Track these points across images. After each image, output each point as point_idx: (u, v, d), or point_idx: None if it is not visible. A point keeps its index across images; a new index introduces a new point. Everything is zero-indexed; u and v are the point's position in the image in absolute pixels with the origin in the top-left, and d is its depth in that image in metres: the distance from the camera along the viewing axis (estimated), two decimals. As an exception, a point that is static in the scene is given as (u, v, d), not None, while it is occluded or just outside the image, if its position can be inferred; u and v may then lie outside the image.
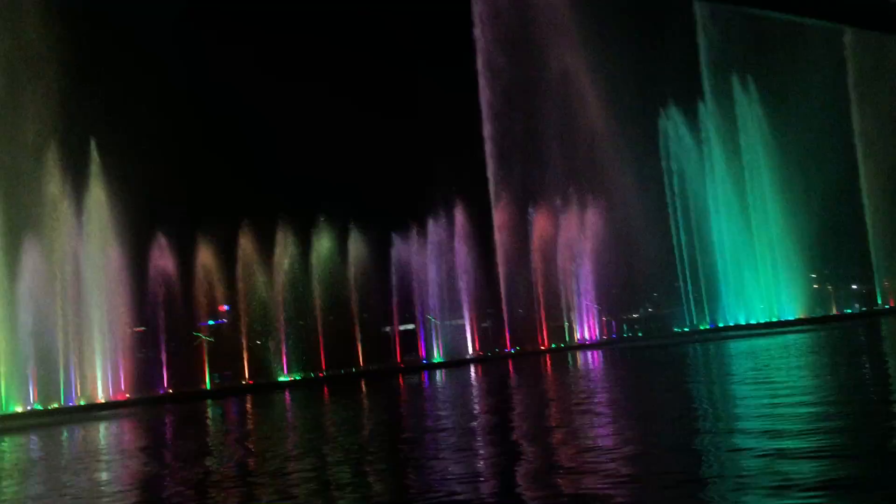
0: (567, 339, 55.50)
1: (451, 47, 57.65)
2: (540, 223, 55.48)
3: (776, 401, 13.06)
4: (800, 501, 6.51)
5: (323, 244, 50.64)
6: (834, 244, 54.68)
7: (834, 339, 33.70)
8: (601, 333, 56.88)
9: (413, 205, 53.09)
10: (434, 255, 52.83)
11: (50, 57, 41.36)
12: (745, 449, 8.86)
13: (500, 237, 55.34)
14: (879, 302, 56.23)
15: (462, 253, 53.23)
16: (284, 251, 49.40)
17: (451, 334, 52.85)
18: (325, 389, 39.71)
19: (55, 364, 40.57)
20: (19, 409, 38.42)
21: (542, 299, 55.02)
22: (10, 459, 19.58)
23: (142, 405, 39.67)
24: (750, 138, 57.18)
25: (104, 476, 13.34)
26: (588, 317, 56.37)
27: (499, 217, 55.47)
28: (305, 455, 13.26)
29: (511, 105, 55.93)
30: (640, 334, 58.24)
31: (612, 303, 57.78)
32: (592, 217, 55.30)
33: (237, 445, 16.59)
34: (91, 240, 42.66)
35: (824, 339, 33.64)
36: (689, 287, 57.39)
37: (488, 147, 55.58)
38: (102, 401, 40.94)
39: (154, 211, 45.39)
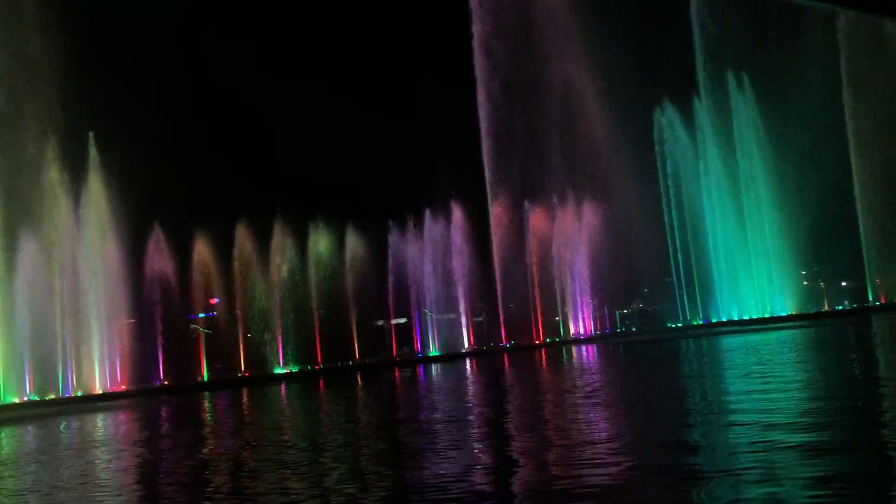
0: (562, 333, 55.99)
1: (451, 47, 58.02)
2: (536, 219, 56.03)
3: (796, 395, 13.34)
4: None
5: (319, 239, 51.14)
6: (826, 241, 55.11)
7: (830, 335, 33.89)
8: (595, 328, 57.33)
9: (412, 203, 53.53)
10: (431, 250, 53.34)
11: (50, 56, 41.78)
12: (796, 445, 8.81)
13: (496, 233, 55.89)
14: (871, 299, 56.63)
15: (458, 248, 53.74)
16: (281, 247, 49.91)
17: (445, 328, 53.28)
18: (321, 382, 40.13)
19: (52, 355, 40.84)
20: (16, 400, 38.69)
21: (538, 294, 55.52)
22: (26, 448, 19.85)
23: (139, 397, 39.98)
24: (745, 135, 57.72)
25: (119, 465, 13.67)
26: (583, 312, 56.83)
27: (495, 213, 56.06)
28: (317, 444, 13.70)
29: (509, 102, 56.54)
30: (633, 329, 58.61)
31: (606, 297, 58.24)
32: (588, 213, 55.82)
33: (241, 435, 16.93)
34: (89, 234, 43.12)
35: (821, 336, 33.80)
36: (683, 282, 57.84)
37: (485, 144, 56.17)
38: (100, 392, 41.27)
39: (153, 209, 45.73)
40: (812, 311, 55.66)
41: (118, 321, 43.31)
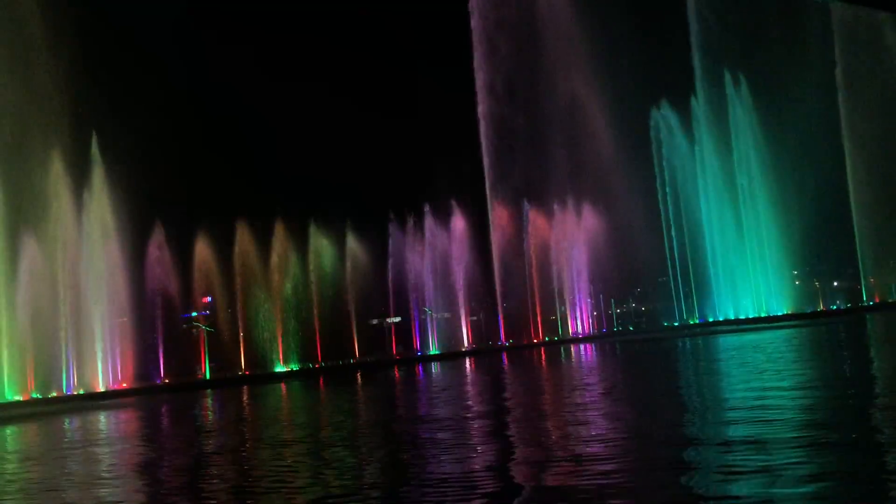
0: (560, 332, 56.39)
1: (451, 47, 58.23)
2: (535, 219, 56.39)
3: (820, 393, 13.67)
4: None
5: (319, 238, 51.41)
6: (822, 241, 55.54)
7: (830, 334, 34.07)
8: (593, 327, 57.73)
9: (412, 203, 53.75)
10: (430, 250, 53.65)
11: (50, 57, 41.94)
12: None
13: (495, 232, 56.26)
14: (865, 298, 57.14)
15: (457, 248, 54.06)
16: (281, 246, 50.16)
17: (443, 327, 53.60)
18: (322, 380, 40.40)
19: (54, 353, 41.03)
20: (19, 398, 38.86)
21: (537, 293, 55.91)
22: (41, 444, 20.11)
23: (140, 395, 40.20)
24: (741, 135, 58.17)
25: (136, 460, 14.01)
26: (581, 310, 57.24)
27: (494, 213, 56.43)
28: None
29: (508, 101, 56.86)
30: (631, 328, 59.00)
31: (604, 297, 58.67)
32: (586, 213, 56.22)
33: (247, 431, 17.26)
34: (91, 234, 43.34)
35: (820, 335, 34.01)
36: (680, 282, 58.28)
37: (484, 144, 56.50)
38: (102, 390, 41.52)
39: (154, 208, 45.95)
40: (808, 311, 56.11)
41: (119, 319, 43.49)
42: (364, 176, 55.40)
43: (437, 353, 51.98)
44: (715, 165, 58.17)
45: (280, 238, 49.76)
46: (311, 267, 50.93)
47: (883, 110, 55.20)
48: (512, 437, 11.89)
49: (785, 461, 8.03)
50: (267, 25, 61.51)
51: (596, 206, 55.89)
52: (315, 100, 61.21)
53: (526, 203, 56.09)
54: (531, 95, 57.28)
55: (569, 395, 17.77)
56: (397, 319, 54.93)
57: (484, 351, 51.89)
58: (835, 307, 59.17)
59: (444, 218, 54.07)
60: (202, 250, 47.35)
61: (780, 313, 55.01)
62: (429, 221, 53.70)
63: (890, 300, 56.15)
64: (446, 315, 53.71)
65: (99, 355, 42.22)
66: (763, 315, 55.14)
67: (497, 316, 55.19)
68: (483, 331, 55.98)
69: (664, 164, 58.91)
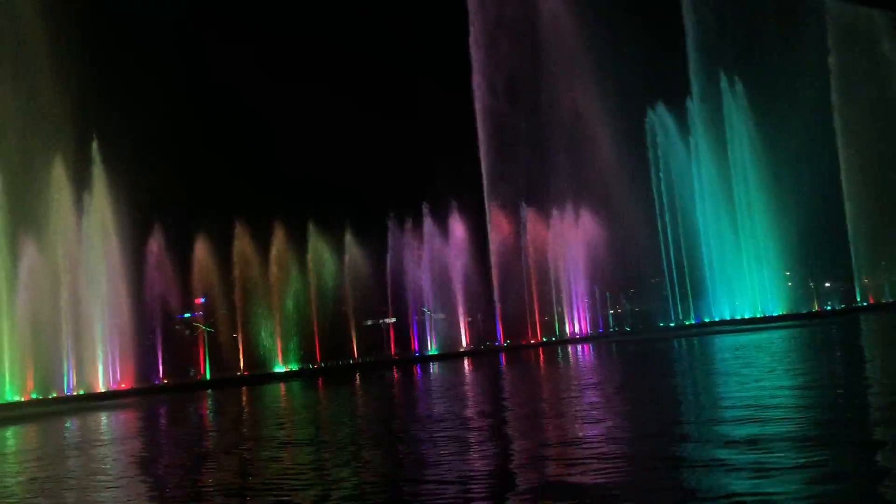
0: (557, 332, 56.77)
1: (451, 47, 58.43)
2: (532, 221, 56.69)
3: (841, 391, 13.78)
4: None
5: (318, 239, 51.61)
6: (816, 242, 55.94)
7: (828, 334, 34.23)
8: (591, 328, 58.12)
9: (411, 203, 53.99)
10: (428, 251, 53.89)
11: (50, 58, 42.05)
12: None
13: (493, 234, 56.58)
14: (858, 299, 57.62)
15: (456, 249, 54.33)
16: (280, 247, 50.36)
17: (440, 327, 53.88)
18: (321, 380, 40.64)
19: (54, 354, 41.17)
20: (19, 399, 38.96)
21: (535, 294, 56.26)
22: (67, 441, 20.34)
23: (140, 396, 40.40)
24: (736, 136, 58.55)
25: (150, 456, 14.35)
26: (578, 311, 57.61)
27: (492, 215, 56.73)
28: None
29: (506, 103, 57.11)
30: (628, 329, 59.34)
31: (600, 297, 59.05)
32: (582, 214, 56.55)
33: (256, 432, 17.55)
34: (90, 234, 43.48)
35: (817, 335, 34.12)
36: (675, 283, 58.68)
37: (482, 146, 56.74)
38: (102, 391, 41.69)
39: (154, 209, 46.09)
40: (803, 312, 56.55)
41: (116, 320, 43.59)
42: (364, 176, 55.58)
43: (435, 353, 52.28)
44: (710, 167, 58.53)
45: (279, 239, 49.97)
46: (310, 267, 51.15)
47: (877, 112, 55.50)
48: (537, 435, 12.04)
49: (824, 458, 8.15)
50: (267, 25, 61.64)
51: (592, 208, 56.23)
52: (315, 100, 61.36)
53: (524, 205, 56.40)
54: (529, 97, 57.59)
55: (589, 393, 17.83)
56: (392, 320, 55.19)
57: (482, 351, 52.20)
58: (829, 308, 59.66)
59: (442, 219, 54.33)
60: (202, 251, 47.54)
61: (775, 314, 55.43)
62: (427, 222, 53.95)
63: (883, 301, 56.63)
64: (441, 316, 53.95)
65: (100, 356, 42.39)
66: (759, 316, 55.54)
67: (495, 316, 55.53)
68: (481, 331, 56.28)
69: (660, 165, 59.27)
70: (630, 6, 54.93)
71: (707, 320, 56.56)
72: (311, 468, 10.85)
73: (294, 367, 47.97)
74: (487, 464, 9.94)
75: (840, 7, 56.33)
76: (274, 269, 49.84)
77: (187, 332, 50.88)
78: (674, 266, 58.70)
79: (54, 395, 40.08)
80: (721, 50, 57.91)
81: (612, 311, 61.39)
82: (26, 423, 27.95)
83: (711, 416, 11.81)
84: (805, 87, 55.58)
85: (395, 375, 36.65)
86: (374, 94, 61.94)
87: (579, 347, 47.20)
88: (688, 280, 58.48)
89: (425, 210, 53.72)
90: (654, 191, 59.01)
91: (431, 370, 38.65)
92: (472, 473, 9.21)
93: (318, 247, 51.51)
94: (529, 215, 56.49)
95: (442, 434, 12.60)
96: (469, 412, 16.27)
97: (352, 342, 52.29)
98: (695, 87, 59.32)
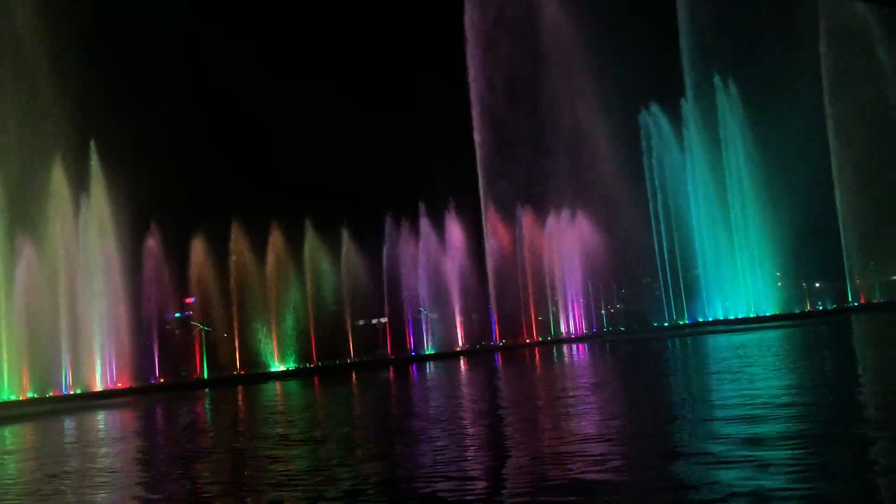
0: (552, 332, 57.22)
1: (451, 47, 58.68)
2: (528, 223, 57.09)
3: (859, 389, 13.85)
4: None
5: (315, 240, 51.96)
6: (809, 242, 56.33)
7: (823, 334, 34.35)
8: (586, 327, 58.59)
9: (410, 203, 54.35)
10: (425, 250, 54.27)
11: (50, 57, 42.28)
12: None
13: (489, 236, 57.00)
14: (850, 299, 58.09)
15: (453, 249, 54.71)
16: (278, 247, 50.70)
17: (435, 327, 54.26)
18: (316, 379, 40.94)
19: (51, 353, 41.43)
20: (17, 397, 39.23)
21: (531, 294, 56.70)
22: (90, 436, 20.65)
23: (137, 394, 40.72)
24: (730, 138, 58.93)
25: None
26: (573, 311, 58.06)
27: (488, 217, 57.14)
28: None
29: (503, 104, 57.44)
30: (622, 329, 59.75)
31: (594, 298, 59.52)
32: (577, 215, 56.94)
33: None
34: (88, 234, 43.76)
35: (813, 335, 34.22)
36: (669, 283, 59.12)
37: (479, 155, 57.10)
38: (99, 390, 42.02)
39: (153, 208, 46.36)
40: (796, 312, 57.03)
41: (114, 320, 43.88)
42: (363, 176, 55.93)
43: (431, 352, 52.69)
44: (704, 167, 58.92)
45: (277, 238, 50.29)
46: (308, 267, 51.51)
47: (871, 113, 55.77)
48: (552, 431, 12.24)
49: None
50: (267, 25, 61.90)
51: (587, 208, 56.61)
52: (315, 100, 61.63)
53: (519, 206, 56.78)
54: (526, 97, 57.93)
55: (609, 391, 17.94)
56: (383, 320, 55.57)
57: (477, 351, 52.61)
58: (821, 308, 60.13)
59: (440, 219, 54.69)
60: (200, 251, 47.89)
61: (767, 314, 55.91)
62: (424, 222, 54.32)
63: (874, 301, 57.08)
64: (433, 315, 54.27)
65: (97, 355, 42.71)
66: (752, 315, 55.99)
67: (490, 316, 55.97)
68: (477, 331, 56.67)
69: (653, 164, 59.64)
70: (628, 7, 55.32)
71: (701, 320, 57.03)
72: (325, 465, 11.12)
73: (290, 366, 48.37)
74: (488, 462, 10.06)
75: (834, 7, 56.72)
76: (271, 268, 50.18)
77: (177, 331, 51.25)
78: (667, 266, 59.14)
79: (51, 394, 40.35)
80: (715, 50, 58.19)
81: (603, 311, 61.69)
82: (31, 421, 28.19)
83: (734, 414, 11.65)
84: (799, 88, 55.93)
85: (391, 375, 36.83)
86: (373, 94, 62.36)
87: (575, 347, 47.57)
88: (681, 280, 58.93)
89: (422, 210, 54.11)
90: (649, 191, 59.46)
91: (427, 369, 38.94)
92: (472, 470, 9.40)
93: (315, 246, 51.86)
94: (525, 215, 56.89)
95: (437, 433, 12.81)
96: (465, 412, 16.49)
97: (348, 341, 52.71)
98: (689, 88, 59.68)
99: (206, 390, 40.68)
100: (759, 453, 8.51)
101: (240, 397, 31.72)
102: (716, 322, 55.15)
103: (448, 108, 57.02)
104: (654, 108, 59.31)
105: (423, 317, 53.92)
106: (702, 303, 58.04)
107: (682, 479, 8.00)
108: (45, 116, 42.53)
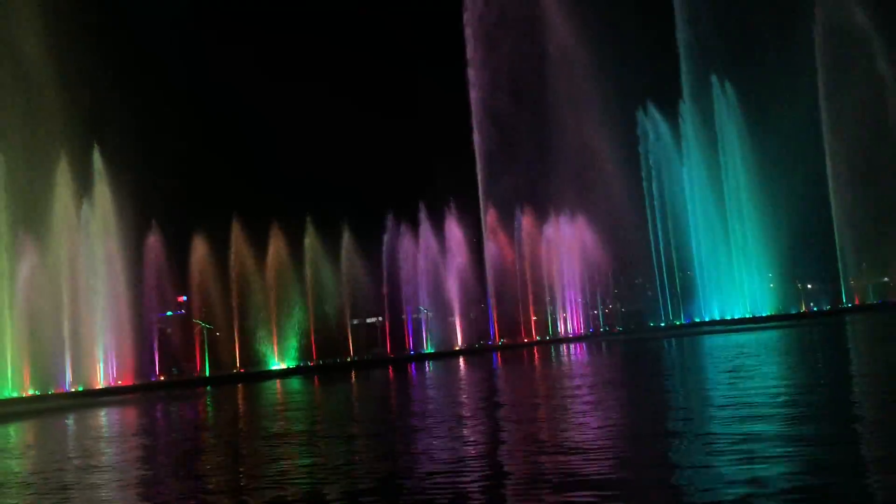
0: (550, 332, 57.57)
1: (451, 47, 58.95)
2: (527, 225, 57.39)
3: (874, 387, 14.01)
4: None
5: (315, 240, 52.18)
6: (804, 244, 56.79)
7: (826, 334, 34.48)
8: (584, 327, 58.96)
9: (410, 203, 54.61)
10: (424, 250, 54.52)
11: (51, 57, 42.44)
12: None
13: (488, 237, 57.32)
14: (844, 300, 58.61)
15: (453, 251, 54.97)
16: (278, 247, 50.92)
17: (433, 326, 54.53)
18: (316, 378, 41.09)
19: (53, 350, 41.61)
20: (20, 394, 39.35)
21: (530, 294, 57.04)
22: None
23: (139, 392, 40.92)
24: (727, 140, 59.36)
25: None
26: (571, 311, 58.42)
27: (487, 219, 57.44)
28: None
29: (500, 114, 57.67)
30: (620, 329, 60.06)
31: (591, 298, 59.89)
32: (577, 215, 57.27)
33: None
34: (91, 233, 43.95)
35: (811, 335, 34.38)
36: (666, 283, 59.53)
37: (478, 155, 57.41)
38: (101, 387, 42.21)
39: (154, 207, 46.54)
40: (792, 312, 57.54)
41: (116, 318, 44.05)
42: (363, 176, 56.19)
43: (430, 351, 52.98)
44: (701, 168, 59.34)
45: (277, 237, 50.50)
46: (308, 266, 51.74)
47: (865, 115, 56.15)
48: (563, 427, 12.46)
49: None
50: (267, 25, 62.16)
51: (586, 209, 56.94)
52: (315, 100, 61.86)
53: (518, 209, 57.04)
54: (527, 98, 58.25)
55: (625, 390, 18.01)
56: (378, 319, 55.83)
57: (476, 350, 52.90)
58: (815, 309, 60.65)
59: (439, 219, 54.94)
60: (200, 250, 48.10)
61: (764, 314, 56.39)
62: (424, 222, 54.56)
63: (868, 302, 57.58)
64: (430, 313, 54.48)
65: (100, 353, 42.92)
66: (748, 316, 56.43)
67: (489, 315, 56.28)
68: (475, 330, 56.93)
69: (651, 165, 60.03)
70: (626, 9, 55.70)
71: (697, 320, 57.47)
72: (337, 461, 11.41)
73: (291, 364, 48.62)
74: (486, 462, 10.13)
75: (830, 9, 57.19)
76: (271, 267, 50.39)
77: (168, 329, 51.44)
78: (664, 266, 59.55)
79: (52, 391, 40.50)
80: (713, 52, 58.62)
81: (595, 311, 61.91)
82: (41, 417, 28.39)
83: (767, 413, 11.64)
84: (796, 90, 56.36)
85: (391, 373, 36.99)
86: (373, 94, 62.67)
87: (573, 347, 47.87)
88: (678, 280, 59.36)
89: (422, 209, 54.36)
90: (646, 191, 59.84)
91: (426, 368, 39.17)
92: (471, 468, 9.53)
93: (315, 246, 52.09)
94: (524, 215, 57.19)
95: (437, 429, 13.06)
96: (464, 409, 16.71)
97: (348, 340, 52.97)
98: (686, 90, 60.07)
99: (208, 388, 40.83)
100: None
101: (240, 395, 31.73)
102: (712, 322, 55.57)
103: (448, 108, 57.30)
104: (652, 110, 59.80)
105: (423, 316, 54.20)
106: (698, 303, 58.47)
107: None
108: (47, 116, 42.67)
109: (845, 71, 56.49)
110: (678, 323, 57.98)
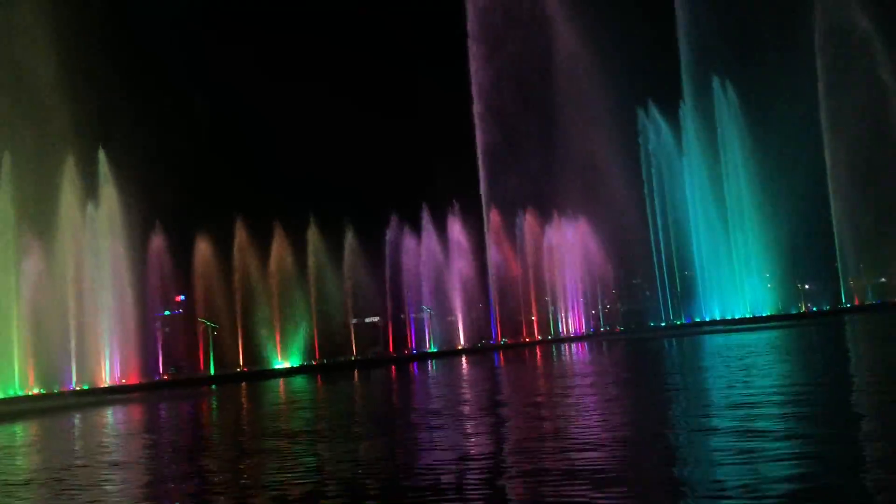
0: (552, 331, 57.78)
1: (451, 48, 58.99)
2: (529, 226, 57.58)
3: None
4: None
5: (317, 239, 52.27)
6: (804, 244, 57.14)
7: (826, 334, 34.55)
8: (585, 327, 59.20)
9: (411, 203, 54.77)
10: (426, 250, 54.65)
11: (53, 60, 42.44)
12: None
13: (491, 238, 57.49)
14: (843, 301, 58.98)
15: (453, 248, 55.13)
16: (281, 246, 50.99)
17: (435, 325, 54.67)
18: (319, 377, 41.14)
19: (57, 349, 41.60)
20: (21, 393, 39.24)
21: (532, 294, 57.24)
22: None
23: (144, 391, 40.94)
24: (728, 140, 59.65)
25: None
26: (573, 311, 58.64)
27: (490, 220, 57.61)
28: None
29: (502, 113, 57.83)
30: (621, 329, 60.30)
31: (591, 298, 60.14)
32: (578, 216, 57.51)
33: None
34: (95, 233, 44.00)
35: (811, 335, 34.39)
36: (667, 283, 59.82)
37: (481, 156, 57.54)
38: (105, 385, 42.19)
39: (157, 207, 46.56)
40: (792, 312, 57.88)
41: (120, 317, 44.05)
42: (364, 176, 56.26)
43: (434, 350, 53.11)
44: (702, 168, 59.62)
45: (279, 237, 50.59)
46: (310, 266, 51.83)
47: (865, 115, 56.46)
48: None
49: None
50: (267, 25, 62.19)
51: (587, 209, 57.17)
52: (315, 100, 61.93)
53: (520, 210, 57.23)
54: (529, 98, 58.42)
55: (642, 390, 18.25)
56: (376, 319, 55.94)
57: (478, 349, 53.05)
58: (815, 309, 61.01)
59: (441, 219, 55.10)
60: (202, 250, 48.17)
61: (764, 314, 56.67)
62: (426, 222, 54.69)
63: (867, 303, 57.93)
64: (430, 312, 54.62)
65: (106, 352, 42.91)
66: (748, 316, 56.70)
67: (491, 315, 56.44)
68: (477, 329, 57.09)
69: (651, 165, 60.27)
70: (627, 9, 55.93)
71: (697, 320, 57.73)
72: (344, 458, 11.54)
73: (294, 362, 48.70)
74: (486, 460, 10.15)
75: (830, 9, 57.51)
76: (273, 267, 50.47)
77: (166, 328, 51.46)
78: (665, 266, 59.83)
79: (57, 389, 40.45)
80: (714, 53, 58.87)
81: (595, 311, 62.15)
82: (46, 416, 28.41)
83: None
84: (796, 91, 56.68)
85: (393, 373, 37.07)
86: (374, 94, 62.75)
87: (575, 346, 48.06)
88: (678, 280, 59.63)
89: (424, 209, 54.49)
90: (647, 192, 60.11)
91: (429, 367, 39.28)
92: (470, 466, 9.61)
93: (317, 246, 52.18)
94: (526, 215, 57.37)
95: (440, 426, 13.19)
96: (468, 407, 16.81)
97: (350, 339, 53.07)
98: (687, 90, 60.32)
99: (213, 387, 40.87)
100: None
101: (244, 394, 31.75)
102: (713, 322, 55.84)
103: (448, 108, 57.41)
104: (653, 110, 60.09)
105: (425, 315, 54.32)
106: (698, 303, 58.75)
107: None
108: (50, 118, 42.64)
109: (845, 71, 56.86)
110: (678, 323, 58.24)
